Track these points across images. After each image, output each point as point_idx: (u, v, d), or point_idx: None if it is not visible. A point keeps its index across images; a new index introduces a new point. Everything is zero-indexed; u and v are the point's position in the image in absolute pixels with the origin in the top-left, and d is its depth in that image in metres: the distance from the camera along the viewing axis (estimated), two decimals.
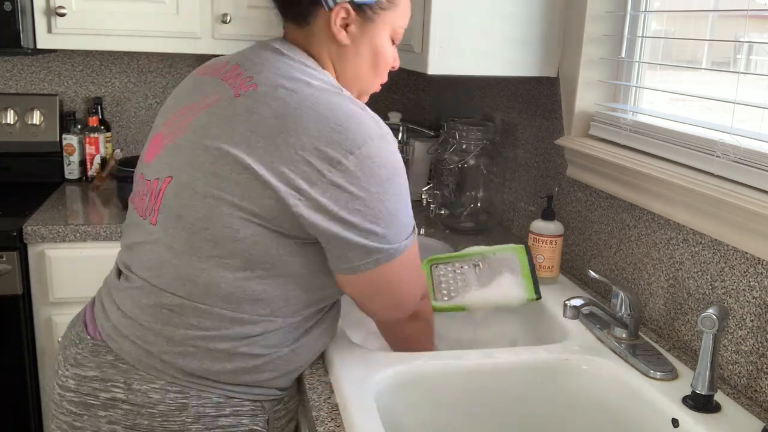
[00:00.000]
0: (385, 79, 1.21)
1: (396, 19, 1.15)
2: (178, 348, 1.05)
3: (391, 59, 1.19)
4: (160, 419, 1.05)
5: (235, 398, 1.09)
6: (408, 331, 1.24)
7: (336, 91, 1.06)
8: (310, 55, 1.12)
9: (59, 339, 1.94)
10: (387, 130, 1.06)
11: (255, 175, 0.99)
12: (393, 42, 1.18)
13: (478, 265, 1.44)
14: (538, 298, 1.39)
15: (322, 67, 1.13)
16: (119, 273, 1.15)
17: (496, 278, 1.41)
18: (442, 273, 1.45)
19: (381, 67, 1.18)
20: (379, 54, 1.16)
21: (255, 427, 1.11)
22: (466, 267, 1.45)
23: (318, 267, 1.07)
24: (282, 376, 1.12)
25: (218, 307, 1.04)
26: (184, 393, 1.06)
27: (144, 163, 1.15)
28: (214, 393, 1.07)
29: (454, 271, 1.44)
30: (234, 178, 1.00)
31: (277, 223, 1.01)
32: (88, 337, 1.12)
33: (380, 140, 1.03)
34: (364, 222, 1.02)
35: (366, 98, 1.20)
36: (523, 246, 1.47)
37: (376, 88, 1.22)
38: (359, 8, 1.10)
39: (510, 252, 1.46)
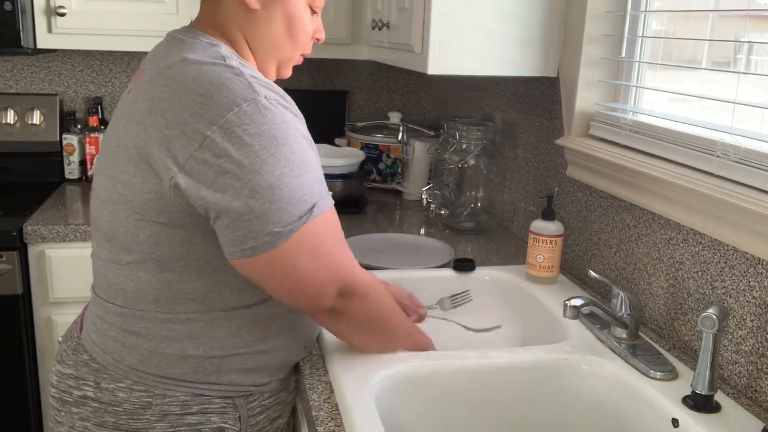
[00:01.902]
0: (307, 50, 1.15)
1: None
2: (135, 354, 1.07)
3: (311, 28, 1.12)
4: (125, 417, 1.07)
5: (204, 395, 1.09)
6: (334, 331, 1.13)
7: (214, 61, 0.99)
8: (220, 29, 1.07)
9: (59, 339, 1.95)
10: (266, 95, 0.96)
11: (136, 166, 0.97)
12: (313, 11, 1.12)
13: None
14: None
15: (227, 41, 1.07)
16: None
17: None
18: None
19: (298, 35, 1.11)
20: (294, 20, 1.09)
21: (224, 425, 1.10)
22: None
23: None
24: (251, 375, 1.11)
25: (152, 311, 1.05)
26: (149, 392, 1.07)
27: None
28: (180, 391, 1.08)
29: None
30: (122, 176, 1.00)
31: (166, 216, 0.98)
32: (76, 336, 1.16)
33: (252, 106, 0.93)
34: (237, 199, 0.92)
35: (287, 70, 1.15)
36: None
37: (297, 59, 1.15)
38: None
39: None
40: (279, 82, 1.14)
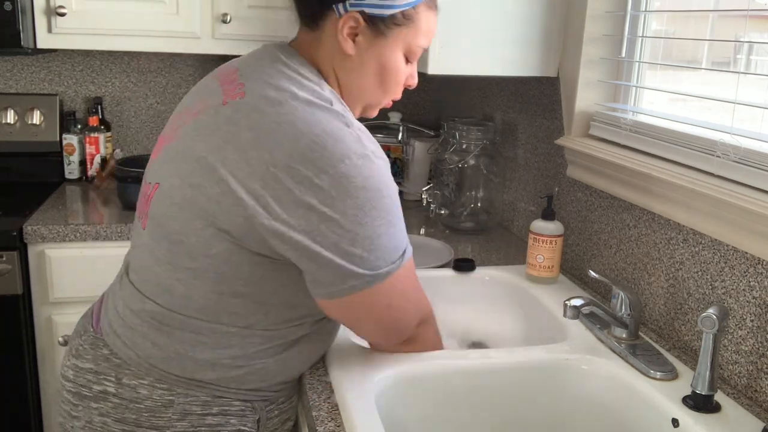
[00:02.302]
0: (397, 96, 1.16)
1: (412, 38, 1.09)
2: (163, 353, 1.06)
3: (403, 76, 1.13)
4: (147, 414, 1.06)
5: (224, 398, 1.09)
6: (398, 351, 1.18)
7: (323, 104, 1.00)
8: (315, 61, 1.08)
9: (59, 339, 1.95)
10: (372, 150, 1.00)
11: (227, 189, 0.97)
12: (408, 60, 1.12)
13: None
14: None
15: (323, 77, 1.08)
16: (123, 271, 1.17)
17: None
18: None
19: (388, 83, 1.12)
20: (387, 70, 1.10)
21: (243, 428, 1.10)
22: None
23: (296, 287, 1.04)
24: (271, 384, 1.12)
25: (195, 317, 1.05)
26: (171, 390, 1.07)
27: (149, 164, 1.16)
28: (201, 392, 1.08)
29: None
30: (208, 191, 0.98)
31: (247, 241, 0.98)
32: (92, 329, 1.14)
33: (361, 160, 0.97)
34: (338, 245, 0.96)
35: (373, 111, 1.17)
36: None
37: (386, 103, 1.17)
38: (371, 20, 1.04)
39: None
40: None
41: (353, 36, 1.05)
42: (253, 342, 1.07)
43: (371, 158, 0.99)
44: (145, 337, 1.07)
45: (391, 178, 1.03)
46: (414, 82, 1.16)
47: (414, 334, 1.14)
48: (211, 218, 0.99)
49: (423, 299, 1.14)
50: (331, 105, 1.01)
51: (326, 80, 1.08)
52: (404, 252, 1.04)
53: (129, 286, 1.11)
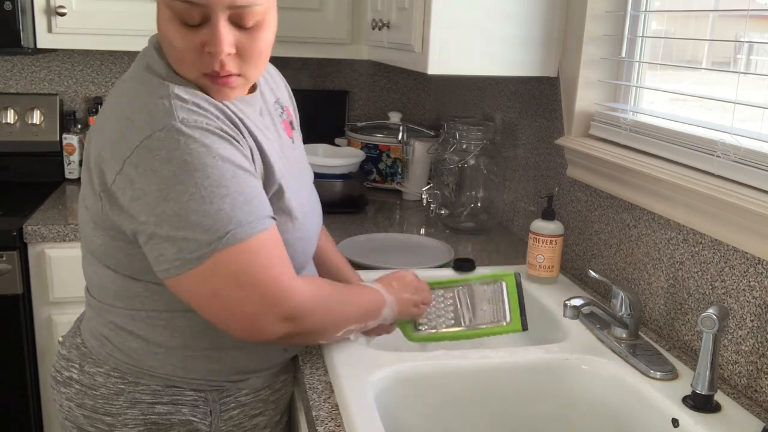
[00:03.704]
0: (206, 67, 0.97)
1: None
2: (109, 345, 1.10)
3: (188, 45, 0.95)
4: (101, 401, 1.10)
5: (176, 387, 1.10)
6: (298, 343, 1.12)
7: (149, 77, 0.98)
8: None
9: (59, 338, 1.95)
10: (182, 117, 0.93)
11: (89, 179, 1.01)
12: (186, 23, 0.94)
13: (462, 294, 1.32)
14: (525, 329, 1.28)
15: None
16: None
17: (480, 308, 1.30)
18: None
19: (173, 53, 0.98)
20: (163, 38, 0.99)
21: (194, 418, 1.12)
22: (449, 295, 1.33)
23: None
24: (222, 372, 1.12)
25: (116, 306, 1.08)
26: (124, 379, 1.10)
27: None
28: (152, 381, 1.10)
29: (436, 299, 1.32)
30: (85, 186, 1.04)
31: (111, 229, 1.01)
32: (78, 320, 1.21)
33: (164, 131, 0.91)
34: (147, 225, 0.92)
35: (213, 92, 1.01)
36: (512, 274, 1.33)
37: (198, 78, 0.99)
38: None
39: (498, 280, 1.33)
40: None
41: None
42: (180, 325, 1.06)
43: (179, 128, 0.91)
44: (96, 330, 1.12)
45: (222, 150, 0.93)
46: (214, 48, 0.95)
47: (291, 331, 1.00)
48: (88, 213, 1.04)
49: (277, 291, 0.97)
50: (162, 78, 0.98)
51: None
52: (228, 233, 0.92)
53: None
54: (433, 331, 1.28)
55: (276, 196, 1.05)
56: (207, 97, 1.00)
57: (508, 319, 1.28)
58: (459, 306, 1.31)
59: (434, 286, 1.33)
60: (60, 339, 1.94)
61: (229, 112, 1.00)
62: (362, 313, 1.13)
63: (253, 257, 0.94)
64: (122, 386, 1.10)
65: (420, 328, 1.28)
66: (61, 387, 1.15)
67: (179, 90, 0.97)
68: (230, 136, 0.97)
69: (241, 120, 1.02)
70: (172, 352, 1.08)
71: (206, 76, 0.98)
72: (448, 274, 1.60)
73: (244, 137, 1.00)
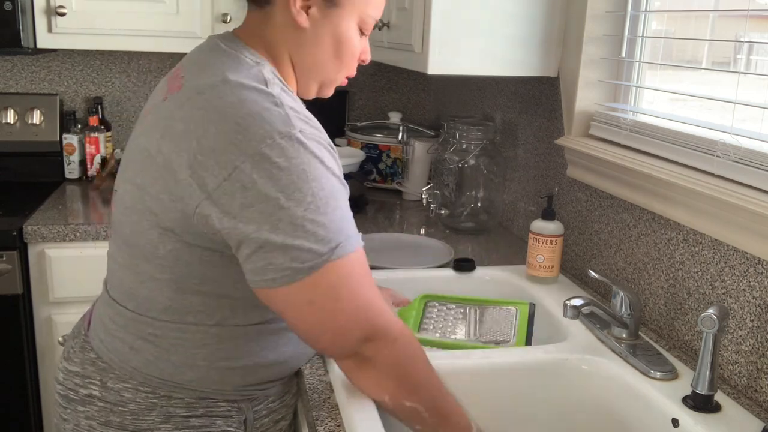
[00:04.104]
0: (352, 72, 1.12)
1: (365, 8, 1.05)
2: (141, 357, 1.06)
3: (359, 50, 1.09)
4: (130, 417, 1.06)
5: (209, 398, 1.08)
6: (362, 384, 1.03)
7: (254, 85, 0.96)
8: (264, 41, 1.05)
9: (59, 339, 1.95)
10: (302, 128, 0.94)
11: (165, 184, 0.96)
12: (362, 33, 1.08)
13: (474, 312, 1.37)
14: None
15: (271, 57, 1.05)
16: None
17: (487, 327, 1.34)
18: (434, 313, 1.39)
19: (345, 57, 1.07)
20: (343, 43, 1.06)
21: (229, 428, 1.10)
22: (461, 311, 1.37)
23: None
24: (255, 382, 1.11)
25: (162, 320, 1.04)
26: (155, 393, 1.07)
27: None
28: (185, 394, 1.07)
29: (447, 311, 1.36)
30: (150, 189, 0.98)
31: (190, 237, 0.97)
32: (84, 332, 1.15)
33: (285, 140, 0.91)
34: (259, 232, 0.90)
35: (329, 90, 1.13)
36: (528, 303, 1.39)
37: (341, 80, 1.12)
38: None
39: (512, 307, 1.38)
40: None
41: (306, 8, 1.02)
42: (226, 339, 1.05)
43: (297, 137, 0.92)
44: (123, 342, 1.07)
45: (331, 164, 0.96)
46: (368, 57, 1.12)
47: (365, 353, 0.99)
48: (155, 218, 0.98)
49: (370, 308, 0.98)
50: (266, 85, 0.97)
51: (276, 59, 1.05)
52: (338, 246, 0.93)
53: (105, 293, 1.13)
54: (437, 335, 1.31)
55: None
56: (305, 107, 1.02)
57: (511, 342, 1.30)
58: (468, 321, 1.35)
59: (444, 300, 1.40)
60: (60, 339, 1.95)
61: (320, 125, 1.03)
62: (435, 391, 1.04)
63: (354, 270, 0.96)
64: (154, 400, 1.06)
65: (425, 329, 1.31)
66: (78, 406, 1.09)
67: (289, 100, 0.98)
68: (333, 149, 1.00)
69: None
70: (214, 366, 1.06)
71: (341, 77, 1.11)
72: (449, 274, 1.60)
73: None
